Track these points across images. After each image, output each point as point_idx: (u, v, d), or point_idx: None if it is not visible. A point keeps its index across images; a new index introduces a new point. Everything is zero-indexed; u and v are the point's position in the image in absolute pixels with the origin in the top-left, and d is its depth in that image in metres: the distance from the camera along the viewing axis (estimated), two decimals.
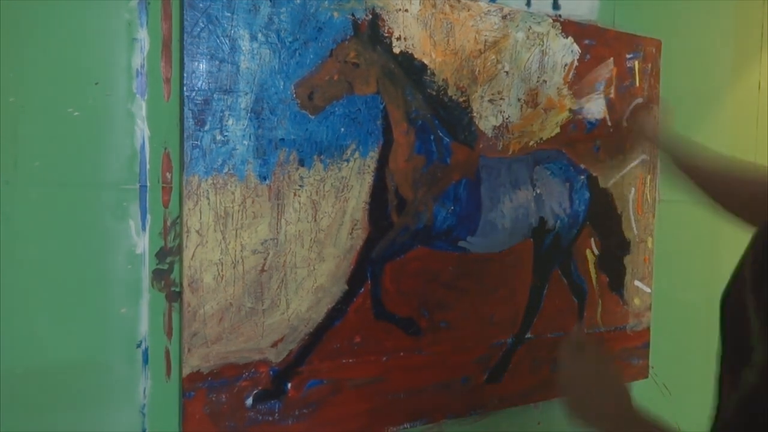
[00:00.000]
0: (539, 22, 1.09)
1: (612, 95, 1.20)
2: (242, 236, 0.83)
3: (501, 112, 1.06)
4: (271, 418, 0.87)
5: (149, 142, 0.78)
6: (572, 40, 1.14)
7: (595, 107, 1.18)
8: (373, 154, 0.93)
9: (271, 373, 0.87)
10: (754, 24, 1.52)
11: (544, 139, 1.11)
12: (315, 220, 0.89)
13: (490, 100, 1.04)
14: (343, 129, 0.90)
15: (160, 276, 0.80)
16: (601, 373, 0.74)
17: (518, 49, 1.07)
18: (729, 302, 0.64)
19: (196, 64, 0.79)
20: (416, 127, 0.97)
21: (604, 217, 1.22)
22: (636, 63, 1.24)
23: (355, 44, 0.90)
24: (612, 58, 1.19)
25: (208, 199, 0.81)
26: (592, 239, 1.20)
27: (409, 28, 0.95)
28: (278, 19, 0.84)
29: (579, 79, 1.15)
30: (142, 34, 0.77)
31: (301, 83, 0.86)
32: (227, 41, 0.81)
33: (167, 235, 0.80)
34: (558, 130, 1.13)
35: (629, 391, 0.73)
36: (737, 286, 0.61)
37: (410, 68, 0.96)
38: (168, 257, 0.80)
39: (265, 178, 0.85)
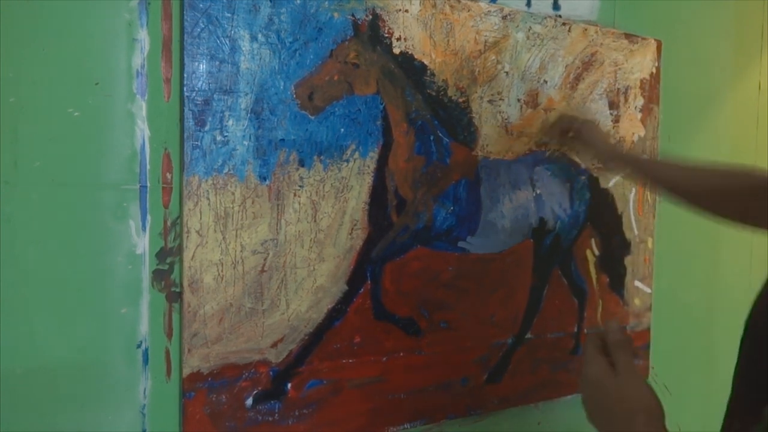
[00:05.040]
0: (539, 23, 1.09)
1: (613, 96, 1.20)
2: (242, 236, 0.83)
3: (500, 112, 1.06)
4: (271, 419, 0.87)
5: (149, 143, 0.78)
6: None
7: (597, 108, 1.18)
8: (373, 155, 0.93)
9: (271, 373, 0.87)
10: (754, 24, 1.52)
11: (544, 139, 1.11)
12: (315, 221, 0.89)
13: (490, 101, 1.04)
14: (342, 129, 0.90)
15: (160, 276, 0.80)
16: (634, 394, 0.64)
17: (518, 49, 1.07)
18: (757, 327, 0.56)
19: (197, 64, 0.79)
20: (416, 127, 0.97)
21: (604, 218, 1.22)
22: (635, 64, 1.24)
23: (355, 45, 0.90)
24: (613, 59, 1.19)
25: (208, 199, 0.81)
26: (593, 239, 1.20)
27: (409, 29, 0.95)
28: (278, 19, 0.84)
29: (579, 81, 1.15)
30: (143, 35, 0.77)
31: (301, 84, 0.86)
32: (227, 42, 0.81)
33: (167, 236, 0.80)
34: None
35: (658, 411, 0.62)
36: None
37: (410, 69, 0.96)
38: (168, 257, 0.80)
39: (265, 179, 0.85)
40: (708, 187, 0.88)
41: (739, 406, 0.59)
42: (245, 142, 0.83)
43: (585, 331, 1.19)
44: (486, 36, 1.03)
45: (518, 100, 1.07)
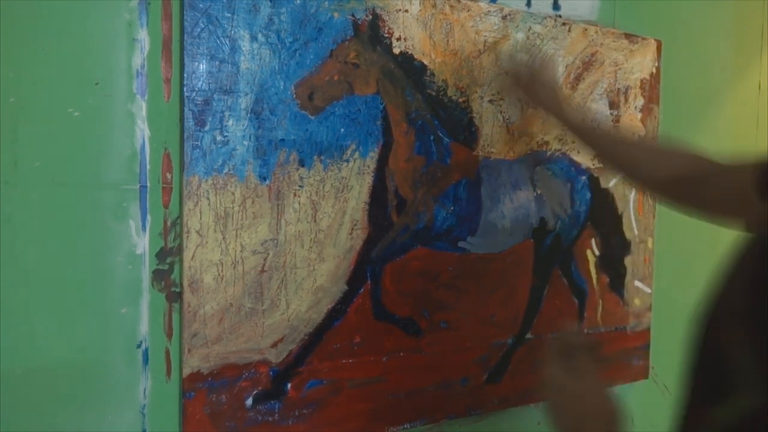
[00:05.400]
0: (539, 23, 1.09)
1: (613, 96, 1.20)
2: (242, 237, 0.83)
3: (501, 112, 1.06)
4: (271, 419, 0.87)
5: (149, 143, 0.78)
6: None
7: (597, 108, 1.18)
8: (373, 155, 0.93)
9: (271, 373, 0.87)
10: (754, 24, 1.51)
11: (546, 139, 1.11)
12: (315, 221, 0.89)
13: (490, 101, 1.04)
14: (343, 129, 0.90)
15: (160, 276, 0.80)
16: (591, 397, 0.64)
17: (518, 49, 1.07)
18: (708, 325, 0.54)
19: (197, 64, 0.79)
20: (416, 127, 0.97)
21: (604, 218, 1.22)
22: (635, 64, 1.24)
23: (355, 45, 0.90)
24: (613, 59, 1.19)
25: (208, 199, 0.81)
26: (593, 239, 1.20)
27: (409, 29, 0.95)
28: (278, 19, 0.84)
29: (579, 81, 1.15)
30: (143, 35, 0.77)
31: (301, 84, 0.86)
32: (227, 42, 0.81)
33: (167, 236, 0.80)
34: (559, 130, 1.13)
35: (618, 416, 0.62)
36: (722, 308, 0.51)
37: (410, 69, 0.96)
38: (168, 257, 0.80)
39: (265, 179, 0.85)
40: (650, 166, 0.87)
41: (697, 399, 0.58)
42: (245, 142, 0.83)
43: (585, 331, 1.19)
44: (486, 36, 1.03)
45: (519, 100, 1.07)
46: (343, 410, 0.93)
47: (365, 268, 0.93)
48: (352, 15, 0.90)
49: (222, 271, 0.82)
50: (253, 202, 0.84)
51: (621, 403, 0.63)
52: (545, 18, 1.10)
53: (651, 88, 1.26)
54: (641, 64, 1.24)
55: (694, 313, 0.56)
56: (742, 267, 0.49)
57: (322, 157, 0.89)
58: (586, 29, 1.15)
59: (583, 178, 1.17)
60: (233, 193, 0.82)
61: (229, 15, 0.81)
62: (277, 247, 0.86)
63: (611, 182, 1.22)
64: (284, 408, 0.88)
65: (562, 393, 0.65)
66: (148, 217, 0.79)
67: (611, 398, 0.63)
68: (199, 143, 0.80)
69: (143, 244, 0.79)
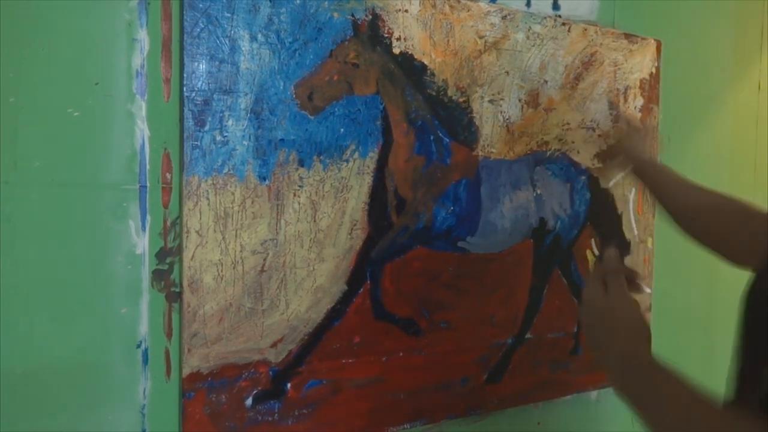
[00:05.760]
0: (539, 23, 1.09)
1: (613, 96, 1.20)
2: (242, 237, 0.83)
3: (501, 112, 1.06)
4: (270, 419, 0.87)
5: (149, 143, 0.78)
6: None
7: (597, 108, 1.18)
8: (373, 155, 0.93)
9: (271, 373, 0.87)
10: (754, 24, 1.52)
11: (545, 139, 1.11)
12: (314, 221, 0.89)
13: (491, 101, 1.04)
14: (342, 129, 0.90)
15: (160, 276, 0.80)
16: (620, 312, 0.68)
17: (518, 49, 1.07)
18: (753, 297, 0.62)
19: (196, 64, 0.79)
20: (416, 127, 0.97)
21: (604, 218, 1.22)
22: (636, 64, 1.24)
23: (354, 45, 0.90)
24: (613, 59, 1.19)
25: (207, 199, 0.81)
26: (593, 240, 1.20)
27: (409, 29, 0.95)
28: (278, 19, 0.84)
29: (579, 81, 1.15)
30: (142, 35, 0.77)
31: (300, 84, 0.86)
32: (227, 42, 0.81)
33: (167, 236, 0.80)
34: (559, 130, 1.13)
35: (643, 332, 0.66)
36: (764, 280, 0.58)
37: (410, 69, 0.96)
38: (168, 257, 0.80)
39: (264, 179, 0.85)
40: (706, 218, 0.90)
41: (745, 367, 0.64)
42: (245, 142, 0.83)
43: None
44: (486, 36, 1.03)
45: (519, 100, 1.07)
46: (343, 410, 0.93)
47: (365, 268, 0.93)
48: (352, 15, 0.90)
49: (222, 271, 0.82)
50: (252, 202, 0.84)
51: (648, 322, 0.67)
52: (545, 18, 1.10)
53: (651, 88, 1.26)
54: (641, 64, 1.24)
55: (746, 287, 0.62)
56: None
57: (321, 157, 0.89)
58: (585, 29, 1.15)
59: (583, 178, 1.17)
60: (233, 193, 0.82)
61: (229, 15, 0.81)
62: (276, 247, 0.86)
63: (611, 182, 1.22)
64: (284, 408, 0.88)
65: (595, 310, 0.69)
66: (148, 217, 0.79)
67: (640, 316, 0.67)
68: (198, 143, 0.80)
69: (143, 244, 0.79)
